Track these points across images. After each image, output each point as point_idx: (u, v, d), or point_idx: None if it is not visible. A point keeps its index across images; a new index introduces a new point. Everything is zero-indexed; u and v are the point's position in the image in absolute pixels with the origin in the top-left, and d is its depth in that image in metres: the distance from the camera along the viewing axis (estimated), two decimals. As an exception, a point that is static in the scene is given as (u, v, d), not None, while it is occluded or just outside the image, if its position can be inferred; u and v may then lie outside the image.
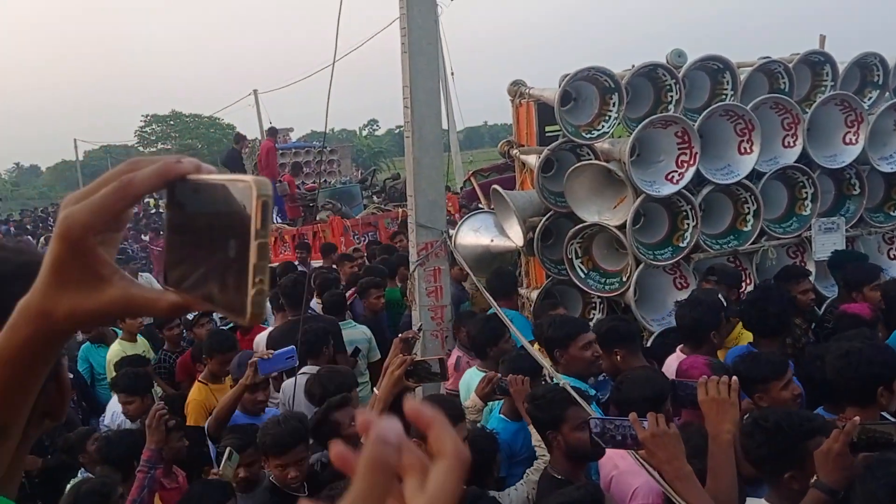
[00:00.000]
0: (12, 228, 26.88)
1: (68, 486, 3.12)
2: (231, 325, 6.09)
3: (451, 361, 4.75)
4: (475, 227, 6.38)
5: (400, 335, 3.85)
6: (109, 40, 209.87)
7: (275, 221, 13.13)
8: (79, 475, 3.65)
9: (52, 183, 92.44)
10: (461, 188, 11.71)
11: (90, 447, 3.89)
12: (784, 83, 5.33)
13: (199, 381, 4.95)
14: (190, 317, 6.35)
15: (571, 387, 3.13)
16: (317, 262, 9.42)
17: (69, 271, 0.60)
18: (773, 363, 3.21)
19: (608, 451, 2.88)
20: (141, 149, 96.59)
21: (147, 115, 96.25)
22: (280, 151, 16.37)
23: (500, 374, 3.71)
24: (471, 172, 10.02)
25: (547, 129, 5.66)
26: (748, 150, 5.13)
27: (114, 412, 4.73)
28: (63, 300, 0.61)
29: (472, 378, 4.19)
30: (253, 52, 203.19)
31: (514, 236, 5.69)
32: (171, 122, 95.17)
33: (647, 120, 4.91)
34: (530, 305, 5.70)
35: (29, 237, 21.84)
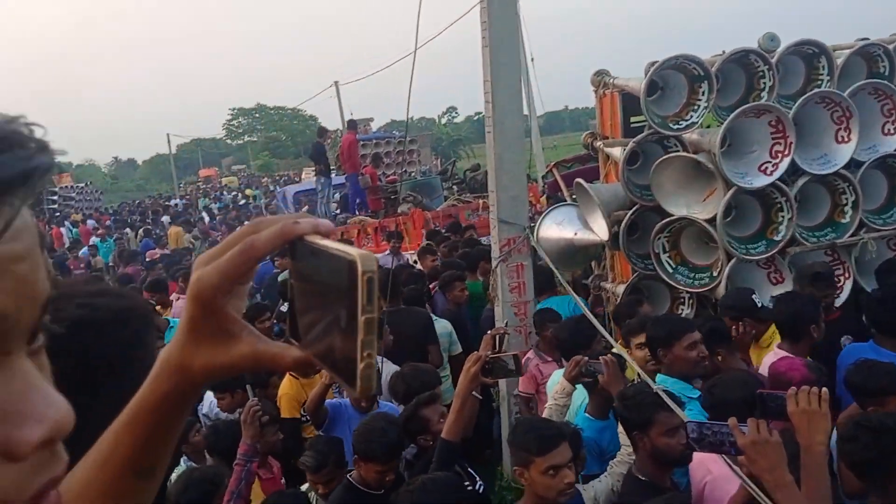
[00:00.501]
0: (107, 221, 28.12)
1: (174, 475, 3.23)
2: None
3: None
4: (558, 220, 6.31)
5: (489, 331, 3.84)
6: (197, 39, 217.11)
7: (356, 213, 13.35)
8: (181, 464, 3.80)
9: (147, 175, 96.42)
10: (542, 178, 11.59)
11: (192, 438, 4.05)
12: (884, 67, 5.06)
13: (289, 375, 5.08)
14: (284, 308, 6.49)
15: (664, 390, 3.07)
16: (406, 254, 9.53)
17: (203, 329, 0.65)
18: (893, 374, 3.07)
19: (700, 455, 2.81)
20: (228, 141, 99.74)
21: (234, 109, 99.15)
22: (361, 143, 16.58)
23: (587, 357, 3.65)
24: (552, 164, 9.90)
25: (632, 119, 5.54)
26: (846, 139, 4.89)
27: (211, 401, 4.90)
28: (198, 355, 0.66)
29: (559, 378, 4.16)
30: (333, 44, 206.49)
31: (599, 230, 5.60)
32: (257, 115, 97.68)
33: (739, 109, 4.74)
34: (615, 300, 5.61)
35: (128, 229, 22.85)
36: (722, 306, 4.61)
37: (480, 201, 10.71)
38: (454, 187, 12.20)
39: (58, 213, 35.85)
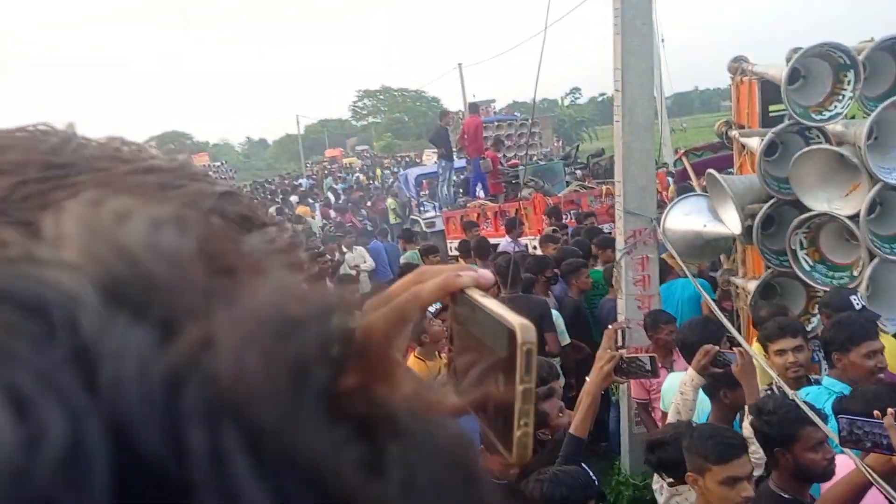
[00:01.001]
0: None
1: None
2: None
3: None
4: (686, 211, 6.12)
5: (611, 325, 3.78)
6: (324, 21, 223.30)
7: (477, 196, 13.40)
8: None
9: (277, 154, 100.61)
10: (672, 165, 11.24)
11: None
12: None
13: (416, 356, 5.19)
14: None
15: (805, 402, 2.93)
16: (523, 239, 9.52)
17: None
18: None
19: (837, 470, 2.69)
20: (354, 122, 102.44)
21: (360, 91, 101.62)
22: (483, 125, 16.59)
23: (718, 348, 3.54)
24: (682, 151, 9.59)
25: (771, 108, 5.28)
26: None
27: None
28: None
29: (675, 382, 4.04)
30: (457, 25, 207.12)
31: (731, 223, 5.39)
32: (381, 97, 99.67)
33: (889, 101, 4.42)
34: (746, 296, 5.40)
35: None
36: (820, 303, 4.46)
37: (604, 188, 10.51)
38: (577, 172, 12.02)
39: (196, 191, 37.96)
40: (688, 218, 6.05)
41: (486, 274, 0.67)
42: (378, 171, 32.36)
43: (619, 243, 5.29)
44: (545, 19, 5.37)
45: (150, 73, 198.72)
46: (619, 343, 3.82)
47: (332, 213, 19.85)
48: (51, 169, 0.42)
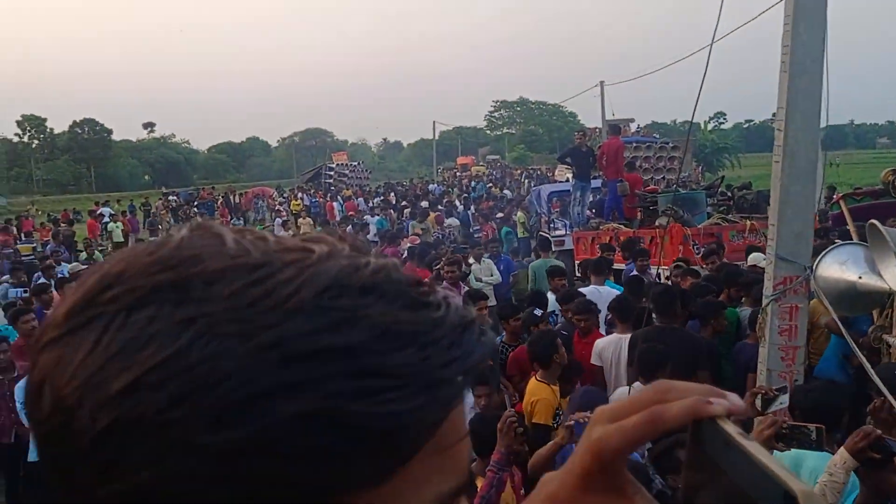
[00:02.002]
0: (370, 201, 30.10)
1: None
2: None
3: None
4: (841, 260, 5.78)
5: (752, 390, 3.59)
6: (467, 31, 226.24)
7: (610, 220, 13.17)
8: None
9: (410, 158, 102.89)
10: (828, 207, 10.61)
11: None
12: None
13: (538, 379, 5.17)
14: (538, 312, 6.52)
15: None
16: (654, 268, 9.28)
17: (595, 482, 0.65)
18: None
19: None
20: (488, 131, 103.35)
21: (497, 101, 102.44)
22: (619, 147, 16.27)
23: (879, 432, 3.27)
24: (840, 195, 9.06)
25: (949, 161, 4.90)
26: None
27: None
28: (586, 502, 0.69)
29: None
30: (598, 41, 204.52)
31: (889, 277, 5.07)
32: (518, 108, 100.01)
33: None
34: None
35: (391, 210, 24.53)
36: None
37: (748, 223, 10.10)
38: (721, 205, 11.59)
39: (332, 188, 39.49)
40: (842, 267, 5.72)
41: (737, 401, 0.60)
42: (495, 190, 32.22)
43: (768, 289, 5.06)
44: (712, 34, 5.22)
45: (295, 73, 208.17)
46: (762, 410, 3.63)
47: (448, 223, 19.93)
48: (256, 270, 0.44)
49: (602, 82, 29.19)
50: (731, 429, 0.57)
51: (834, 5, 4.82)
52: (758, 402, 3.72)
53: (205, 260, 0.45)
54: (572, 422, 3.81)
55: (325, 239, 0.50)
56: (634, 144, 21.96)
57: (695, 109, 5.21)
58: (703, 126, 64.27)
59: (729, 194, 12.25)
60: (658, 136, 33.13)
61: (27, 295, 10.01)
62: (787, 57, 4.78)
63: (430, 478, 0.47)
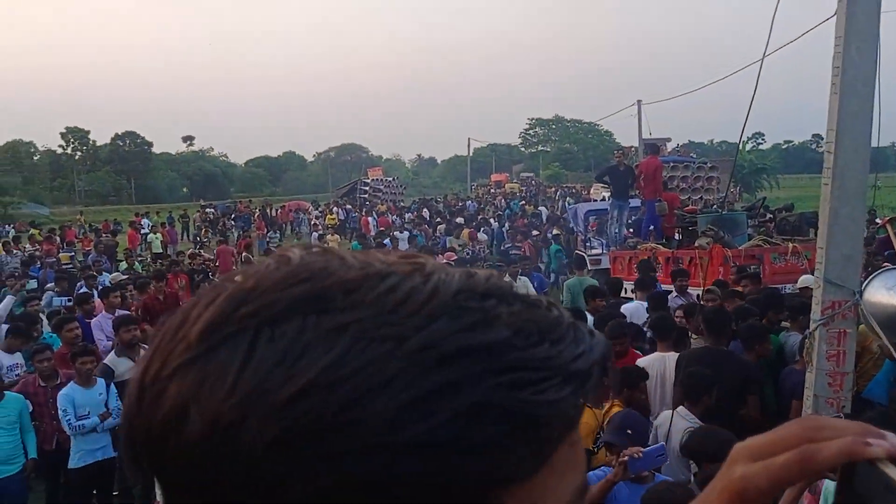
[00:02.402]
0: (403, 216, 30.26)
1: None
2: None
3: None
4: (889, 285, 5.66)
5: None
6: (497, 49, 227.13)
7: (648, 239, 13.06)
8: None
9: (444, 174, 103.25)
10: (875, 231, 10.42)
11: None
12: None
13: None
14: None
15: None
16: (695, 290, 9.17)
17: None
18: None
19: None
20: (522, 149, 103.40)
21: (532, 119, 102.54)
22: (655, 166, 16.16)
23: None
24: (886, 219, 8.87)
25: None
26: None
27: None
28: None
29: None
30: (634, 60, 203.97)
31: (941, 303, 4.94)
32: (553, 126, 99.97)
33: None
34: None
35: (426, 225, 24.63)
36: None
37: (790, 245, 9.95)
38: (762, 226, 11.43)
39: (367, 203, 39.74)
40: (889, 293, 5.60)
41: None
42: (529, 207, 32.12)
43: (815, 313, 4.96)
44: (764, 49, 5.17)
45: (332, 89, 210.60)
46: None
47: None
48: (386, 278, 0.46)
49: (639, 101, 29.05)
50: (894, 472, 0.53)
51: (887, 25, 4.75)
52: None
53: (335, 271, 0.46)
54: (626, 457, 3.73)
55: (418, 254, 0.52)
56: (672, 164, 21.82)
57: (744, 126, 5.19)
58: (741, 146, 63.59)
59: (770, 216, 12.08)
60: (695, 156, 32.84)
61: (70, 304, 10.19)
62: (837, 78, 4.71)
63: (565, 471, 0.48)
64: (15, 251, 19.36)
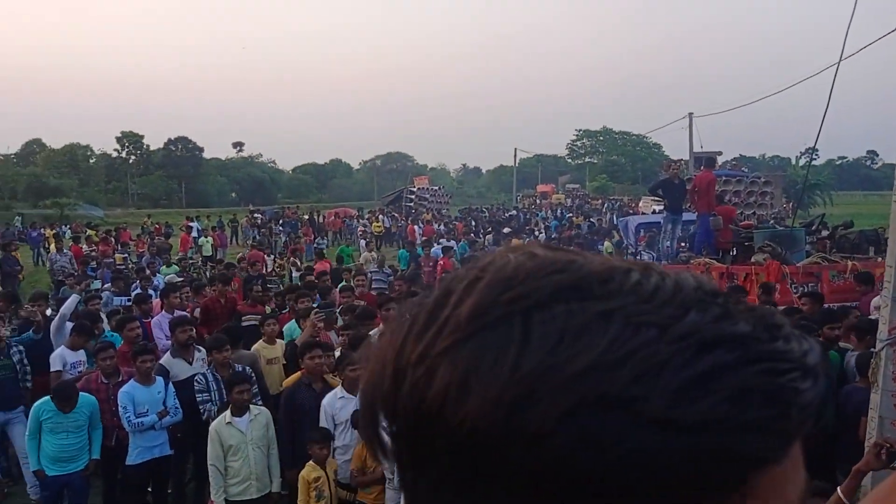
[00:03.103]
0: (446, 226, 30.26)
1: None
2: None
3: None
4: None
5: (876, 440, 3.42)
6: (545, 59, 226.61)
7: (701, 254, 12.86)
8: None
9: (489, 184, 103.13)
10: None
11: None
12: None
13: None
14: None
15: None
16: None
17: None
18: None
19: None
20: (569, 160, 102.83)
21: (579, 130, 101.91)
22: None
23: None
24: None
25: None
26: None
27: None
28: None
29: None
30: (685, 73, 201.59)
31: None
32: (601, 138, 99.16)
33: None
34: None
35: (472, 234, 24.63)
36: None
37: (849, 263, 9.71)
38: (818, 243, 11.19)
39: (413, 211, 39.94)
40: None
41: None
42: (576, 220, 31.86)
43: (882, 333, 4.84)
44: (840, 53, 5.08)
45: (379, 97, 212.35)
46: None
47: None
48: (630, 273, 0.49)
49: (691, 114, 28.75)
50: None
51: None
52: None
53: (584, 264, 0.50)
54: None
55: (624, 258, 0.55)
56: (724, 178, 21.48)
57: (818, 135, 5.16)
58: (794, 162, 62.33)
59: (827, 233, 11.81)
60: (747, 170, 32.28)
61: (130, 304, 10.43)
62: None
63: (799, 464, 0.49)
64: (65, 250, 19.93)
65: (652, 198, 23.44)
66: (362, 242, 27.04)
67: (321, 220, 36.21)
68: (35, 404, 6.70)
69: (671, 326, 0.45)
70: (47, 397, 6.63)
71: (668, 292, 0.47)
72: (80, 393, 6.65)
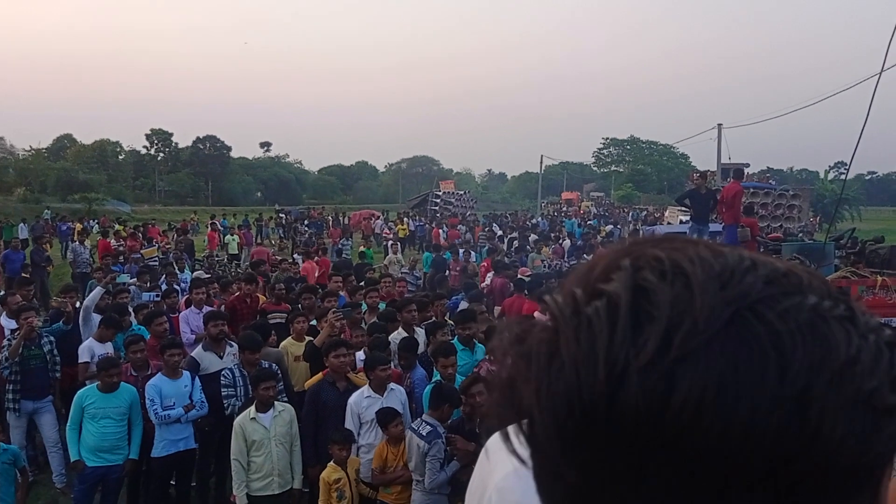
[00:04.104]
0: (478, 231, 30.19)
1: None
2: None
3: None
4: None
5: None
6: (573, 67, 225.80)
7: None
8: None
9: (514, 190, 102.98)
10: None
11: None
12: None
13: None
14: None
15: None
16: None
17: None
18: None
19: None
20: (595, 168, 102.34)
21: (606, 139, 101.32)
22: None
23: None
24: None
25: None
26: None
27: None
28: None
29: None
30: (714, 83, 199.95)
31: None
32: (628, 147, 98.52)
33: None
34: None
35: (496, 240, 24.57)
36: None
37: (879, 279, 9.56)
38: (850, 257, 11.01)
39: (438, 215, 39.94)
40: None
41: None
42: (604, 229, 31.65)
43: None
44: (882, 62, 5.02)
45: (406, 101, 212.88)
46: None
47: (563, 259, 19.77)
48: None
49: (720, 125, 28.55)
50: None
51: None
52: None
53: (762, 262, 0.52)
54: None
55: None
56: (752, 190, 21.32)
57: (856, 146, 5.03)
58: (822, 175, 61.59)
59: (856, 248, 11.63)
60: (774, 183, 31.97)
61: (159, 299, 10.55)
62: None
63: None
64: (86, 243, 20.21)
65: (679, 208, 23.30)
66: (389, 244, 27.11)
67: (346, 220, 36.30)
68: (78, 392, 6.77)
69: (856, 321, 0.50)
70: (91, 385, 6.74)
71: (826, 288, 0.51)
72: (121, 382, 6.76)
